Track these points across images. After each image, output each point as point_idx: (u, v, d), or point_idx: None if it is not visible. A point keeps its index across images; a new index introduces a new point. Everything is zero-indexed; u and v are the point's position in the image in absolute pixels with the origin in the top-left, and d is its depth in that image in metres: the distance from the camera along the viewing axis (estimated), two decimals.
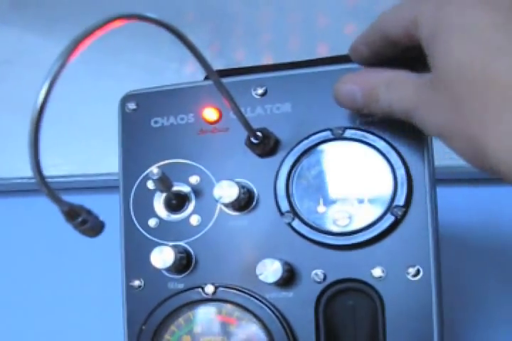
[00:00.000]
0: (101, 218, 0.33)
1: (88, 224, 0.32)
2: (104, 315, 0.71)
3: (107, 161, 0.69)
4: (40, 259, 0.75)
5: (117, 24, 0.29)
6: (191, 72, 0.71)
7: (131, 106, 0.47)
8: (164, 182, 0.42)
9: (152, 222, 0.45)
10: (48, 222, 0.74)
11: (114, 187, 0.67)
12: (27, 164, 0.79)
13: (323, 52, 0.70)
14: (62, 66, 0.28)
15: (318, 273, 0.41)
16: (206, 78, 0.49)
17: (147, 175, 0.45)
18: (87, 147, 0.72)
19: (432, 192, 0.41)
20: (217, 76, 0.37)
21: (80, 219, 0.31)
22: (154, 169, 0.42)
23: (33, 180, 0.74)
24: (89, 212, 0.32)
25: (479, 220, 0.67)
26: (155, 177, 0.42)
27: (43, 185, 0.29)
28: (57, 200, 0.30)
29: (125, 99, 0.47)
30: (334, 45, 0.70)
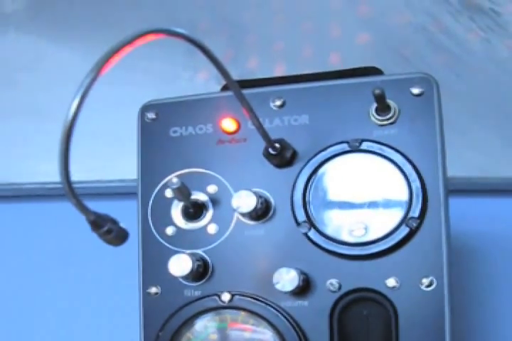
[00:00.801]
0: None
1: (113, 233, 0.32)
2: (118, 322, 0.71)
3: (121, 168, 0.69)
4: (52, 265, 0.76)
5: (146, 40, 0.30)
6: (204, 81, 0.72)
7: (151, 115, 0.47)
8: (183, 192, 0.43)
9: (169, 230, 0.46)
10: (61, 228, 0.75)
11: (126, 194, 0.68)
12: (38, 169, 0.78)
13: (335, 61, 0.70)
14: (93, 80, 0.29)
15: (333, 283, 0.42)
16: (223, 89, 0.49)
17: (165, 183, 0.46)
18: (100, 153, 0.73)
19: (445, 203, 0.41)
20: (238, 87, 0.37)
21: (105, 229, 0.32)
22: (173, 178, 0.43)
23: (46, 186, 0.74)
24: (114, 222, 0.32)
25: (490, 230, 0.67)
26: (174, 187, 0.42)
27: (71, 195, 0.30)
28: (84, 210, 0.31)
29: (144, 109, 0.48)
30: (346, 55, 0.70)
